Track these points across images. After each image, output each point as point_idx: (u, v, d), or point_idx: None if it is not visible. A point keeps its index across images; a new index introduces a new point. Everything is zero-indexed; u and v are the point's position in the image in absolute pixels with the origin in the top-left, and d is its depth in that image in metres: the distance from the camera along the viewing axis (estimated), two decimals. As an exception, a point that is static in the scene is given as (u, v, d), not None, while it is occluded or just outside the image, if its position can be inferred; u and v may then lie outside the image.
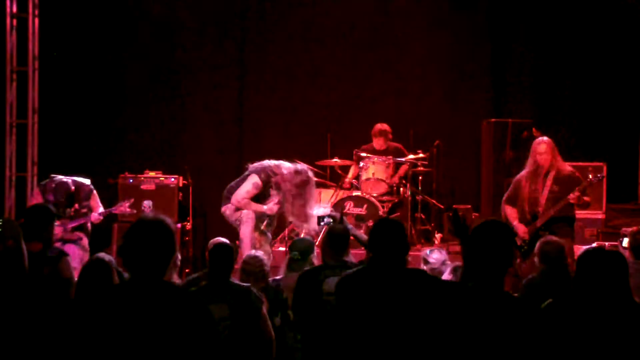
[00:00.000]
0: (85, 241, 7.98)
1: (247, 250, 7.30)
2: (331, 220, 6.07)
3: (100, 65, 10.83)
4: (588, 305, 3.61)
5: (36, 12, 10.26)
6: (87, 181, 8.18)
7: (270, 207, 7.98)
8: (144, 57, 10.96)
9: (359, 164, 9.73)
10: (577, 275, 3.71)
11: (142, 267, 3.36)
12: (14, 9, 10.24)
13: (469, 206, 9.67)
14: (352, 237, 6.16)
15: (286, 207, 7.93)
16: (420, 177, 9.95)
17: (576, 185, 7.49)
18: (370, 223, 9.36)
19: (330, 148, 10.30)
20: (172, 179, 9.96)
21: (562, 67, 10.68)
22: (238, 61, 11.13)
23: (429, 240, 9.78)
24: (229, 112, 10.85)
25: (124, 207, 8.30)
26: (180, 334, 3.28)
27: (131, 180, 9.86)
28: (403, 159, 9.76)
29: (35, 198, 8.11)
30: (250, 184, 7.95)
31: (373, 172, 9.58)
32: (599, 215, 9.58)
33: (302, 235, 9.50)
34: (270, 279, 5.91)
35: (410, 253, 6.53)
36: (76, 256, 7.76)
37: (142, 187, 9.89)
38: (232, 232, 9.12)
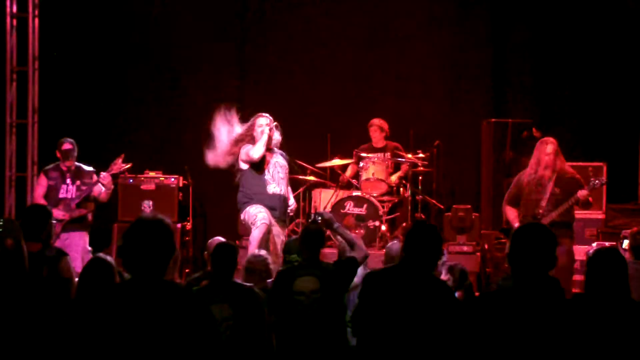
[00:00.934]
0: (90, 219, 8.15)
1: (252, 251, 7.28)
2: (319, 218, 6.06)
3: (100, 65, 10.83)
4: (602, 304, 3.64)
5: (36, 12, 10.26)
6: (90, 167, 8.33)
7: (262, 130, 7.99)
8: (144, 56, 10.97)
9: (359, 164, 9.73)
10: (590, 275, 3.77)
11: (142, 267, 3.35)
12: (14, 9, 10.25)
13: (469, 206, 9.66)
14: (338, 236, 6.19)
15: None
16: (420, 177, 9.95)
17: (578, 188, 7.46)
18: (370, 223, 9.37)
19: (330, 148, 10.29)
20: (172, 179, 9.96)
21: (562, 67, 10.67)
22: (238, 61, 11.13)
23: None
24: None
25: (117, 166, 8.31)
26: (181, 333, 3.28)
27: (131, 180, 9.86)
28: (403, 159, 9.75)
29: (40, 184, 8.23)
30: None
31: (373, 172, 9.58)
32: (599, 215, 9.57)
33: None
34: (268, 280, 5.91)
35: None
36: (80, 248, 7.84)
37: (142, 187, 9.90)
38: (233, 232, 9.13)
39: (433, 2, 10.96)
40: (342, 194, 9.71)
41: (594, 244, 8.65)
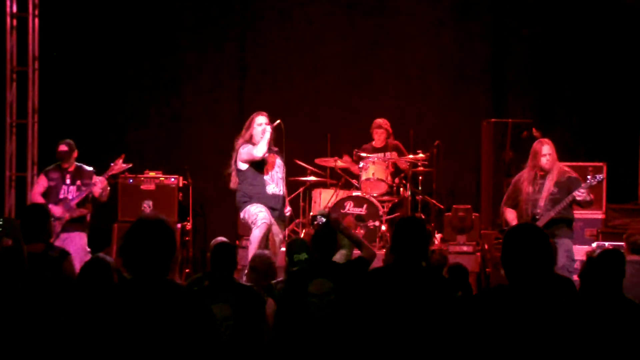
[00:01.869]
0: (88, 219, 8.17)
1: (253, 252, 7.28)
2: (324, 220, 6.05)
3: (100, 65, 10.83)
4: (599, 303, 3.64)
5: (36, 12, 10.26)
6: (91, 168, 8.35)
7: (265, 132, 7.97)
8: (144, 57, 10.97)
9: (359, 164, 9.73)
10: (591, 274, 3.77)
11: (142, 267, 3.35)
12: (14, 9, 10.24)
13: (469, 206, 9.66)
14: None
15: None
16: (420, 177, 9.95)
17: (575, 187, 7.47)
18: (370, 223, 9.37)
19: (330, 148, 10.29)
20: (172, 179, 9.96)
21: (562, 67, 10.67)
22: (238, 61, 11.13)
23: (428, 240, 9.76)
24: (229, 112, 10.84)
25: (118, 166, 8.34)
26: (182, 333, 3.28)
27: (131, 180, 9.86)
28: (404, 156, 9.76)
29: (39, 183, 8.26)
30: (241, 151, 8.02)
31: (373, 172, 9.58)
32: (599, 215, 9.57)
33: (302, 236, 9.57)
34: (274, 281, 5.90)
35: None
36: (79, 248, 7.85)
37: (142, 187, 9.90)
38: (233, 232, 9.14)
39: (433, 2, 10.96)
40: (342, 194, 9.71)
41: (594, 244, 8.66)
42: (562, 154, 7.95)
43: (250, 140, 8.02)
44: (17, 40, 10.26)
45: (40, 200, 8.06)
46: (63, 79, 10.72)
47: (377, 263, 7.00)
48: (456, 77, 10.94)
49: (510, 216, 7.70)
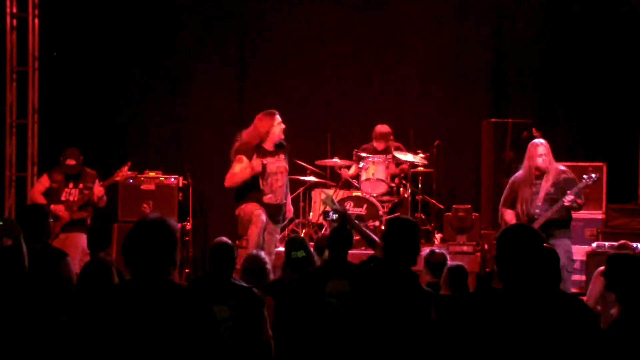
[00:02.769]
0: (89, 222, 8.22)
1: (251, 249, 7.29)
2: (337, 216, 6.04)
3: (100, 65, 10.83)
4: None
5: (36, 12, 10.26)
6: (93, 171, 8.43)
7: (253, 163, 7.92)
8: (144, 56, 10.97)
9: (359, 164, 9.72)
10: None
11: (144, 267, 3.35)
12: (14, 9, 10.25)
13: (469, 206, 9.66)
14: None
15: None
16: (420, 177, 9.95)
17: (572, 187, 7.48)
18: (370, 223, 9.37)
19: (330, 148, 10.29)
20: (172, 179, 9.96)
21: (562, 67, 10.67)
22: (238, 61, 11.13)
23: (429, 241, 9.77)
24: (229, 112, 10.84)
25: (123, 173, 8.37)
26: (183, 333, 3.28)
27: (131, 181, 9.85)
28: (404, 157, 9.76)
29: (41, 182, 8.31)
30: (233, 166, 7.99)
31: (373, 172, 9.58)
32: (599, 215, 9.57)
33: (302, 235, 9.57)
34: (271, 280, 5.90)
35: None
36: (78, 249, 7.86)
37: (142, 187, 9.90)
38: (233, 232, 9.13)
39: (433, 2, 10.95)
40: (342, 194, 9.71)
41: (594, 244, 8.67)
42: (562, 154, 7.95)
43: (266, 136, 7.96)
44: (17, 40, 10.27)
45: (40, 199, 8.09)
46: (63, 79, 10.72)
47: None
48: (456, 77, 10.93)
49: (510, 217, 7.71)
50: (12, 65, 10.27)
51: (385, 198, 9.66)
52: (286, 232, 9.15)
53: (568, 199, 7.38)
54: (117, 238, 9.49)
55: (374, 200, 9.45)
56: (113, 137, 10.78)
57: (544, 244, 3.60)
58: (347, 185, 9.99)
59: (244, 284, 5.29)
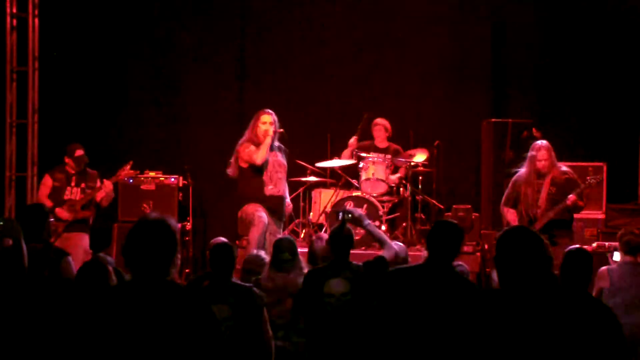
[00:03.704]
0: (91, 222, 8.25)
1: (251, 251, 7.29)
2: (348, 216, 6.04)
3: (100, 65, 10.83)
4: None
5: (36, 12, 10.26)
6: (94, 171, 8.47)
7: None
8: (144, 57, 10.97)
9: (359, 164, 9.72)
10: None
11: (144, 267, 3.35)
12: (14, 9, 10.24)
13: (469, 206, 9.66)
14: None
15: None
16: (420, 177, 9.95)
17: (574, 187, 7.48)
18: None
19: (330, 148, 10.29)
20: (172, 179, 9.96)
21: (562, 67, 10.67)
22: (238, 61, 11.13)
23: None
24: (229, 112, 10.84)
25: (125, 172, 8.40)
26: (184, 333, 3.28)
27: (131, 181, 9.85)
28: (403, 159, 9.76)
29: (45, 184, 8.31)
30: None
31: (373, 172, 9.58)
32: (599, 215, 9.58)
33: (302, 236, 9.58)
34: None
35: (410, 253, 6.56)
36: (80, 249, 7.88)
37: (142, 187, 9.90)
38: (233, 232, 9.13)
39: (433, 2, 10.95)
40: (342, 194, 9.71)
41: (594, 244, 8.66)
42: (562, 154, 7.94)
43: (254, 139, 8.03)
44: (17, 40, 10.26)
45: (48, 203, 8.05)
46: (63, 79, 10.72)
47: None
48: (456, 77, 10.93)
49: (512, 217, 7.71)
50: (12, 65, 10.27)
51: (385, 198, 9.66)
52: (286, 232, 9.15)
53: (572, 198, 7.39)
54: (117, 238, 9.50)
55: (373, 200, 9.44)
56: (113, 137, 10.79)
57: (545, 246, 3.60)
58: (347, 185, 9.99)
59: (244, 284, 5.29)
